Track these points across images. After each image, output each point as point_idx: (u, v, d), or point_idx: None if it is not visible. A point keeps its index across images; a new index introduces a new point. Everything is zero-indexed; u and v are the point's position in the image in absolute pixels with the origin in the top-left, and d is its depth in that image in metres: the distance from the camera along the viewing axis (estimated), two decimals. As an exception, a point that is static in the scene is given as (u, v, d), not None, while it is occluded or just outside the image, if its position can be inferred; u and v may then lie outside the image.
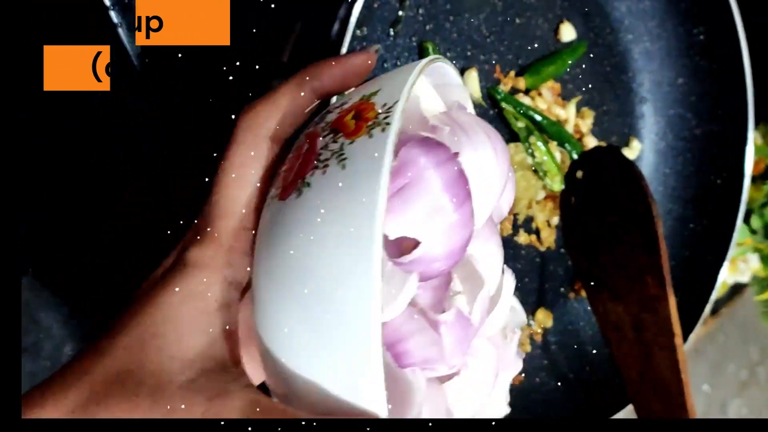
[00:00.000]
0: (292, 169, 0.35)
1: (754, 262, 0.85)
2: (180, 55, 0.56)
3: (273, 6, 0.60)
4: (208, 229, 0.38)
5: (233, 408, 0.32)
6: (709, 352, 1.02)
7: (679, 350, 0.51)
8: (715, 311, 0.99)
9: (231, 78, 0.57)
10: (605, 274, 0.54)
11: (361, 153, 0.32)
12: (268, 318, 0.34)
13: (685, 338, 0.70)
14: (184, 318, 0.35)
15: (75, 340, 0.59)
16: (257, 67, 0.59)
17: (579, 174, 0.56)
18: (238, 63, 0.58)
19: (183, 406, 0.33)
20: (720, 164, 0.73)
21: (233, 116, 0.40)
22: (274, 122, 0.39)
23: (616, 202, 0.53)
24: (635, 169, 0.52)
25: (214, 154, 0.40)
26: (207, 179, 0.39)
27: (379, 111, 0.34)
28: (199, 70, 0.57)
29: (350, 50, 0.53)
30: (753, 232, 0.84)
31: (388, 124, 0.32)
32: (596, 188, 0.55)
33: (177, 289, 0.36)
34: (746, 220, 0.84)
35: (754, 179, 0.84)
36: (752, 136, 0.71)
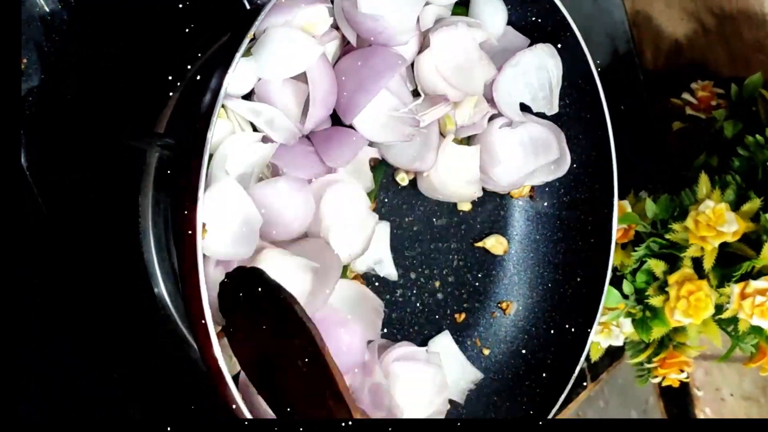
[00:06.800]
0: None
1: (627, 327, 0.88)
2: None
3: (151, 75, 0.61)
4: None
5: None
6: (589, 417, 1.04)
7: None
8: (595, 377, 1.01)
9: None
10: (294, 405, 0.47)
11: None
12: None
13: (562, 401, 0.71)
14: None
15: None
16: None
17: (234, 295, 0.49)
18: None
19: None
20: (587, 230, 0.76)
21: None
22: None
23: (276, 326, 0.47)
24: (280, 290, 0.47)
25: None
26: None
27: None
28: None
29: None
30: (625, 296, 0.87)
31: None
32: (254, 312, 0.49)
33: None
34: (619, 285, 0.87)
35: (625, 245, 0.87)
36: (617, 203, 0.74)
